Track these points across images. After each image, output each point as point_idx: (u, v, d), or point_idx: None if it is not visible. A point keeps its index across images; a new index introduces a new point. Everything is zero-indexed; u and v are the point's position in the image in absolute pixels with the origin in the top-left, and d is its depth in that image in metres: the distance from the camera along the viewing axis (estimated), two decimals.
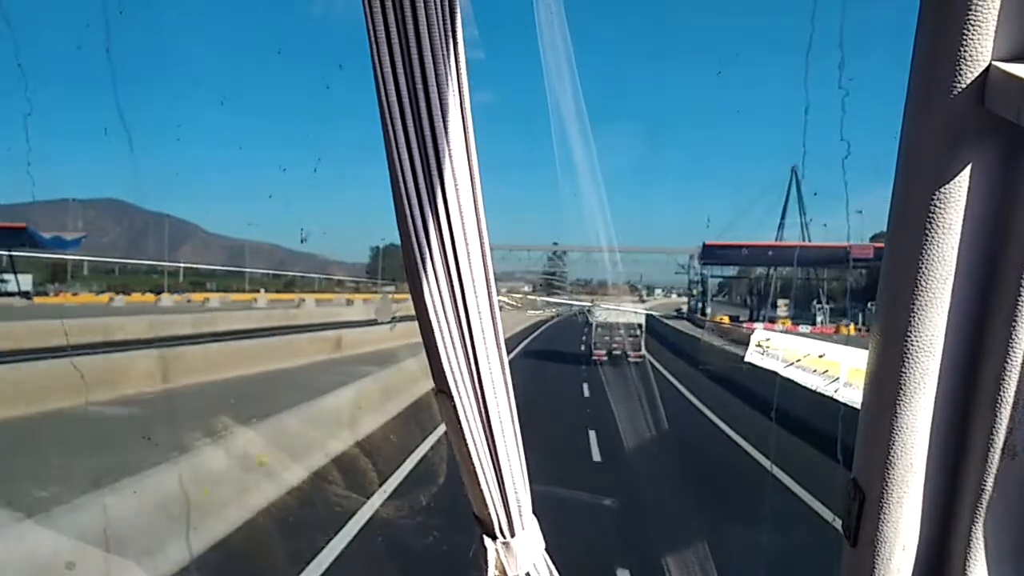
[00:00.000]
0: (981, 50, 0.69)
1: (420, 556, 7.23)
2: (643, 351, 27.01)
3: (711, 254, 63.38)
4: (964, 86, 0.70)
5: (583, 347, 31.60)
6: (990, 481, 0.76)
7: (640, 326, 28.27)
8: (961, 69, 0.70)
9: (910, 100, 0.76)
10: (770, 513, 8.43)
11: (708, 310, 57.94)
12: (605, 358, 26.25)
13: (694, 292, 71.37)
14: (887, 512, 0.82)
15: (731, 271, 75.28)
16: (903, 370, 0.78)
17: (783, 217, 65.89)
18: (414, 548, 7.52)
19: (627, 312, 29.93)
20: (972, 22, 0.69)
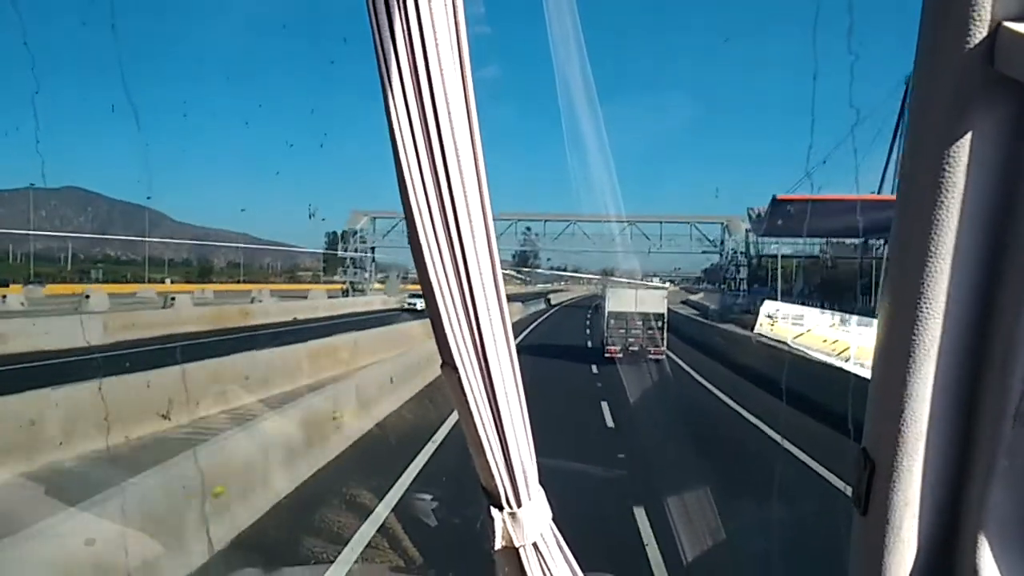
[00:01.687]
0: (990, 10, 0.68)
1: None
2: (664, 346, 23.19)
3: (781, 214, 34.62)
4: (973, 47, 0.69)
5: (589, 341, 28.42)
6: (1000, 449, 0.75)
7: (662, 316, 23.42)
8: (970, 30, 0.69)
9: (919, 62, 0.75)
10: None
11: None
12: (620, 355, 22.15)
13: (732, 275, 49.87)
14: (897, 481, 0.82)
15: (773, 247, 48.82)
16: (912, 339, 0.78)
17: (889, 154, 37.36)
18: None
19: (647, 296, 24.55)
20: None
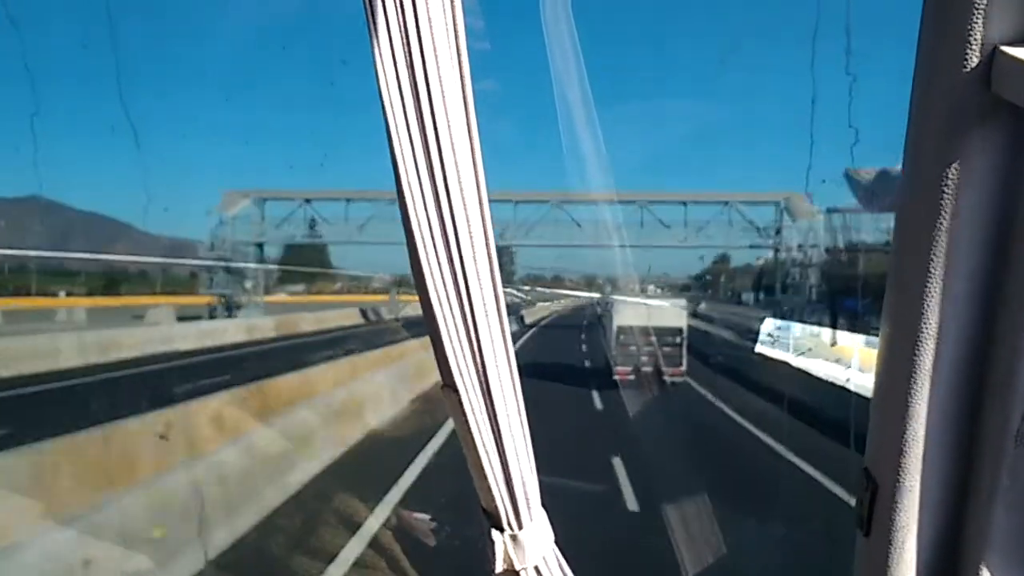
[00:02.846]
0: (987, 33, 0.69)
1: None
2: (684, 366, 19.13)
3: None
4: (970, 70, 0.69)
5: (587, 360, 23.28)
6: (1002, 469, 0.75)
7: (680, 331, 19.57)
8: (967, 53, 0.69)
9: (916, 84, 0.76)
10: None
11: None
12: (632, 377, 18.44)
13: (795, 279, 30.72)
14: (900, 501, 0.81)
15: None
16: (913, 358, 0.78)
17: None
18: None
19: (662, 308, 20.92)
20: (978, 5, 0.68)
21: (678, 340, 19.44)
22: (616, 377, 18.35)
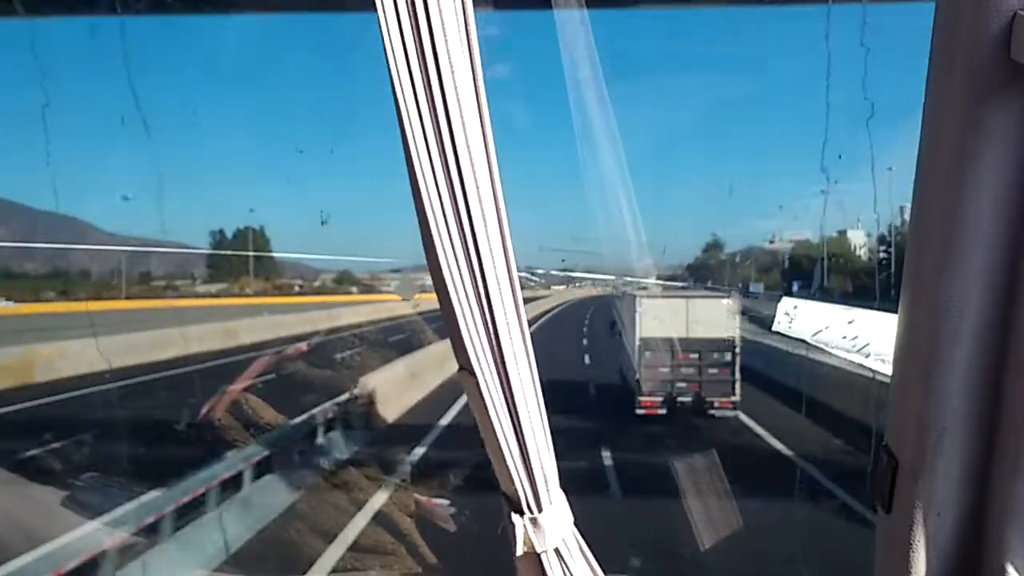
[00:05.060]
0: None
1: None
2: (736, 394, 13.42)
3: None
4: (989, 37, 0.68)
5: (592, 386, 15.10)
6: None
7: (731, 344, 13.64)
8: (986, 19, 0.68)
9: (934, 53, 0.74)
10: None
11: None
12: (662, 411, 13.23)
13: None
14: (921, 478, 0.81)
15: None
16: (933, 333, 0.77)
17: None
18: None
19: (704, 311, 14.28)
20: None
21: (728, 357, 13.57)
22: (640, 410, 13.21)
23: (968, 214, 0.72)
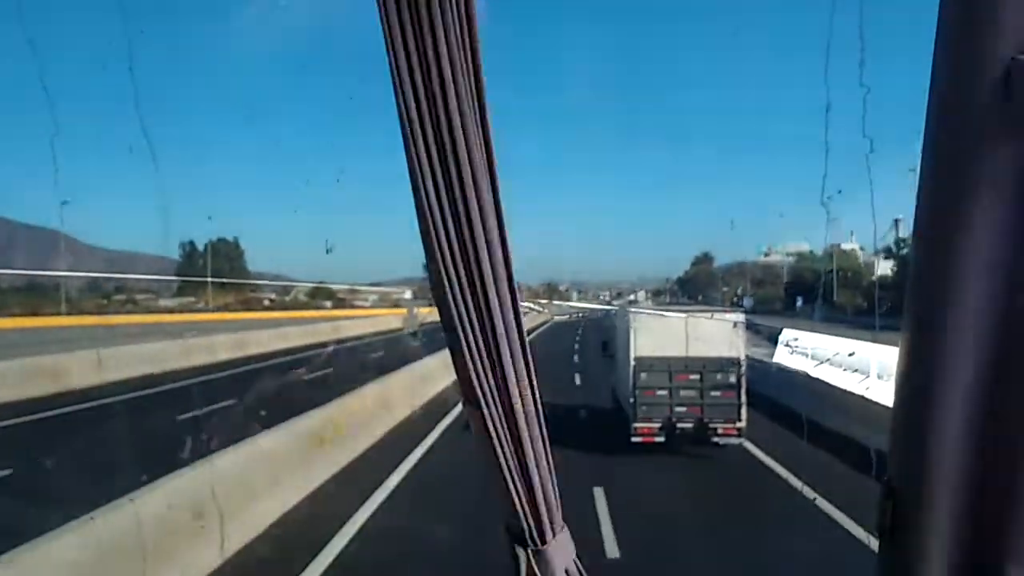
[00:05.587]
0: (1004, 44, 0.69)
1: None
2: (742, 420, 12.15)
3: None
4: (987, 81, 0.69)
5: (583, 411, 14.55)
6: None
7: (737, 364, 12.32)
8: (984, 64, 0.69)
9: (932, 95, 0.76)
10: None
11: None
12: (660, 439, 12.16)
13: None
14: (922, 513, 0.81)
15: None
16: (934, 369, 0.77)
17: None
18: None
19: (707, 329, 12.80)
20: (993, 15, 0.68)
21: (732, 379, 12.31)
22: (636, 438, 12.18)
23: (967, 251, 0.73)
